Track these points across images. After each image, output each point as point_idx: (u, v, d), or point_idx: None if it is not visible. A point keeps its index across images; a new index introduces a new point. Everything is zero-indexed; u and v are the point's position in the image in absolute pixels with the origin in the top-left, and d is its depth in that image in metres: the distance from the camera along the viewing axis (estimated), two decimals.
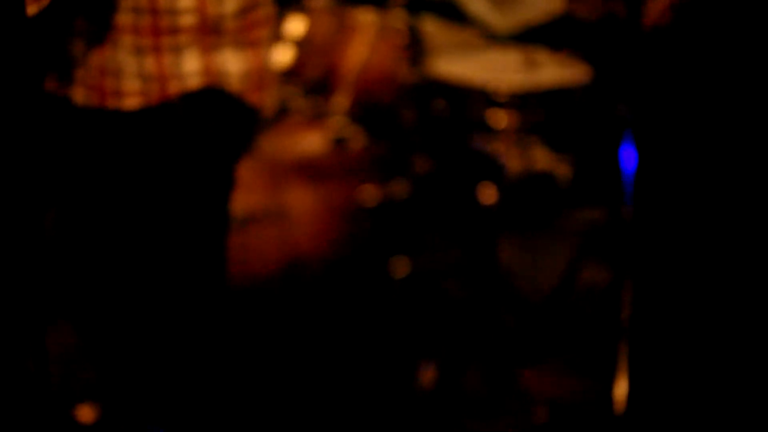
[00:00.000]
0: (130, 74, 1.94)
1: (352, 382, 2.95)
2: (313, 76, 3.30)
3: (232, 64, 2.02)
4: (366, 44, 3.19)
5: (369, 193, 3.16)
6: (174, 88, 1.96)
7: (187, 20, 1.92)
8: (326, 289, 3.05)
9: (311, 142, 3.21)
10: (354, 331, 3.00)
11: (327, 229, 3.13)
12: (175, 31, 1.93)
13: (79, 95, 1.94)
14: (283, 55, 3.35)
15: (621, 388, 2.47)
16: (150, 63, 1.94)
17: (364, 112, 3.20)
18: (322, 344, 3.03)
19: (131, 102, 1.94)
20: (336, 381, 3.00)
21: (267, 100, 2.10)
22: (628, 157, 2.40)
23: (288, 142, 3.33)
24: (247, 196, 3.23)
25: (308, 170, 3.23)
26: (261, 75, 2.05)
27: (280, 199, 3.20)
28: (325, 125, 3.18)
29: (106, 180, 2.05)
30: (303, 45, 3.36)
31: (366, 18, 3.22)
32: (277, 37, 3.11)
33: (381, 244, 3.09)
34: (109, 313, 2.15)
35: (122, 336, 2.15)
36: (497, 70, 2.78)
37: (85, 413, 2.75)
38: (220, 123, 2.06)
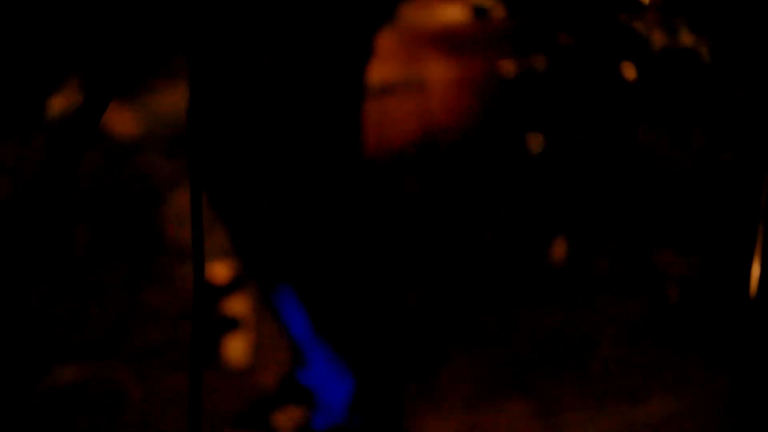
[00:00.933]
0: None
1: (484, 254, 2.97)
2: None
3: None
4: None
5: (508, 67, 3.14)
6: None
7: None
8: (461, 162, 3.05)
9: (451, 12, 3.18)
10: (488, 204, 3.01)
11: (464, 102, 3.13)
12: None
13: None
14: None
15: (756, 270, 2.43)
16: None
17: None
18: (455, 216, 3.04)
19: None
20: (468, 252, 3.02)
21: None
22: None
23: (427, 12, 3.31)
24: (384, 66, 3.23)
25: (447, 41, 3.21)
26: None
27: (417, 70, 3.20)
28: None
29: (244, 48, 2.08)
30: None
31: None
32: None
33: (519, 118, 3.07)
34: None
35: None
36: None
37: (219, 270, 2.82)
38: None
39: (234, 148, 2.33)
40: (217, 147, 2.35)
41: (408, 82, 3.12)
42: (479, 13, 3.13)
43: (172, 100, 4.45)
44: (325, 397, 2.50)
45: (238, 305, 2.89)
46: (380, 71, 3.19)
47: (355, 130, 2.27)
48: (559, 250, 2.85)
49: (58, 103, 3.89)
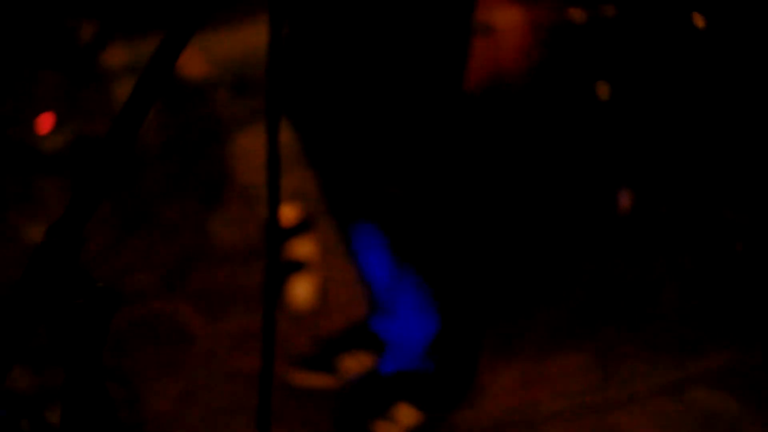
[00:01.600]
0: None
1: (550, 204, 2.98)
2: None
3: None
4: None
5: (577, 14, 3.13)
6: None
7: None
8: (528, 106, 3.05)
9: None
10: (553, 151, 3.01)
11: (533, 46, 3.13)
12: None
13: None
14: None
15: None
16: None
17: None
18: (519, 162, 3.05)
19: None
20: (533, 201, 3.02)
21: None
22: None
23: None
24: None
25: None
26: None
27: (488, 13, 3.20)
28: None
29: None
30: None
31: None
32: None
33: (587, 65, 3.06)
34: None
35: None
36: None
37: None
38: None
39: (323, 83, 2.36)
40: (306, 82, 2.39)
41: (479, 23, 3.12)
42: None
43: (238, 40, 4.47)
44: (400, 341, 2.53)
45: (305, 248, 2.93)
46: None
47: (445, 68, 2.31)
48: (624, 201, 2.86)
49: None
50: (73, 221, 1.18)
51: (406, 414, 2.50)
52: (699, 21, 2.99)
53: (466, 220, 2.44)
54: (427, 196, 2.38)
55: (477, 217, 2.49)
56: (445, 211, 2.40)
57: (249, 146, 3.77)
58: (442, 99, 2.32)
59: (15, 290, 1.18)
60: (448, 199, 2.39)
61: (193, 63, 3.96)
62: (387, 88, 2.27)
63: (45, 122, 3.70)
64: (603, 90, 3.00)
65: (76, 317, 1.19)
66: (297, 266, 2.93)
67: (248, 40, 4.48)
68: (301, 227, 2.93)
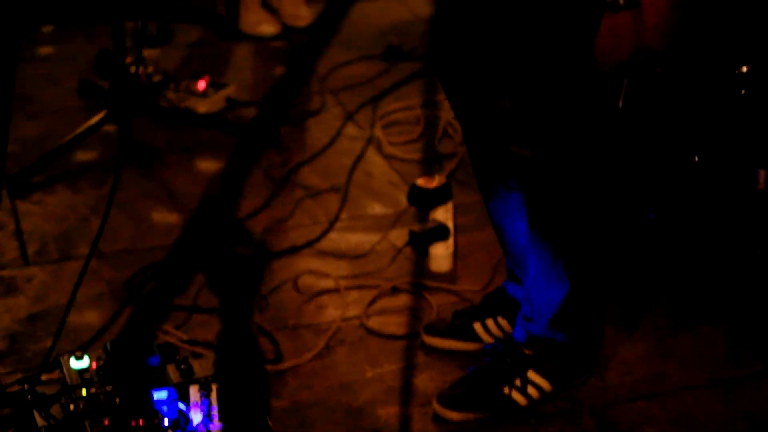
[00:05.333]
0: None
1: (690, 176, 2.98)
2: None
3: None
4: None
5: None
6: None
7: None
8: (669, 79, 3.06)
9: None
10: (694, 126, 3.02)
11: (676, 23, 3.14)
12: None
13: None
14: None
15: None
16: None
17: None
18: (654, 134, 3.06)
19: None
20: (670, 176, 3.04)
21: None
22: None
23: None
24: None
25: None
26: None
27: None
28: None
29: None
30: None
31: None
32: None
33: (730, 44, 3.06)
34: None
35: None
36: None
37: None
38: None
39: (466, 46, 2.44)
40: (453, 46, 2.47)
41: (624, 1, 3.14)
42: None
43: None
44: (531, 307, 2.56)
45: (446, 212, 3.00)
46: None
47: (584, 26, 2.34)
48: (761, 180, 2.87)
49: None
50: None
51: (535, 381, 2.55)
52: None
53: (595, 188, 2.46)
54: (555, 161, 2.41)
55: (606, 185, 2.48)
56: (574, 177, 2.42)
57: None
58: (574, 57, 2.34)
59: (183, 240, 1.30)
60: (577, 166, 2.42)
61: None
62: (520, 44, 2.31)
63: (202, 82, 3.85)
64: (743, 66, 3.00)
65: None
66: (437, 229, 2.99)
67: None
68: (443, 191, 2.98)
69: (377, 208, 3.33)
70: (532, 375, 2.55)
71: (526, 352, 2.56)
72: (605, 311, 2.60)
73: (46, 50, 4.29)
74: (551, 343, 2.55)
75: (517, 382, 2.54)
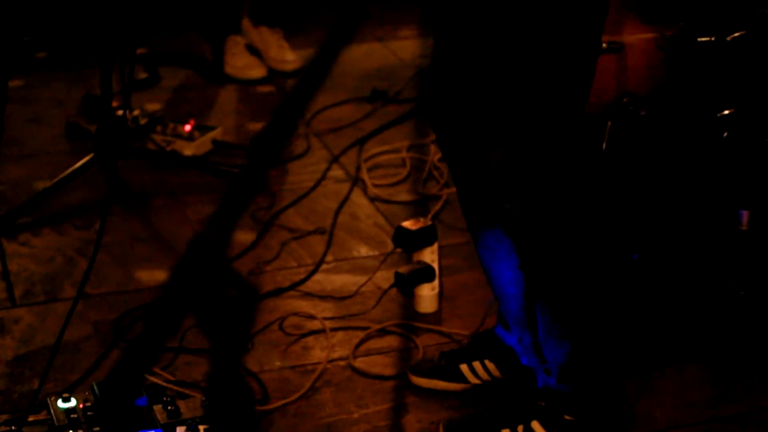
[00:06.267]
0: None
1: (673, 217, 3.00)
2: None
3: None
4: None
5: (704, 36, 3.16)
6: None
7: None
8: (650, 122, 3.08)
9: None
10: (675, 168, 3.04)
11: (659, 65, 3.16)
12: None
13: None
14: None
15: None
16: None
17: None
18: (642, 178, 3.07)
19: None
20: (654, 217, 3.05)
21: None
22: None
23: None
24: None
25: (645, 7, 3.24)
26: None
27: (617, 31, 3.23)
28: None
29: None
30: None
31: None
32: None
33: (710, 87, 3.09)
34: None
35: None
36: None
37: None
38: None
39: (458, 92, 2.45)
40: (445, 90, 2.48)
41: (611, 41, 3.17)
42: None
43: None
44: (527, 356, 2.54)
45: (433, 253, 3.01)
46: None
47: (578, 84, 2.34)
48: (744, 221, 2.89)
49: None
50: (221, 225, 1.31)
51: None
52: None
53: (586, 238, 2.44)
54: (544, 214, 2.39)
55: (598, 235, 2.47)
56: (563, 230, 2.40)
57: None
58: (565, 115, 2.34)
59: (171, 282, 1.31)
60: (565, 217, 2.40)
61: None
62: (514, 101, 2.31)
63: (188, 125, 3.87)
64: (725, 111, 3.03)
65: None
66: (423, 271, 3.00)
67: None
68: (428, 233, 3.00)
69: (363, 250, 3.35)
70: (535, 426, 2.52)
71: (540, 402, 2.53)
72: (617, 369, 2.54)
73: (34, 93, 4.31)
74: (552, 394, 2.52)
75: (520, 429, 2.53)
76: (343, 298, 3.11)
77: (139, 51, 4.26)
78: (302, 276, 3.20)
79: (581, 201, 2.40)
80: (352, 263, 3.29)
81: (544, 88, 2.30)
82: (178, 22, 4.81)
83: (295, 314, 3.04)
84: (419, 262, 3.02)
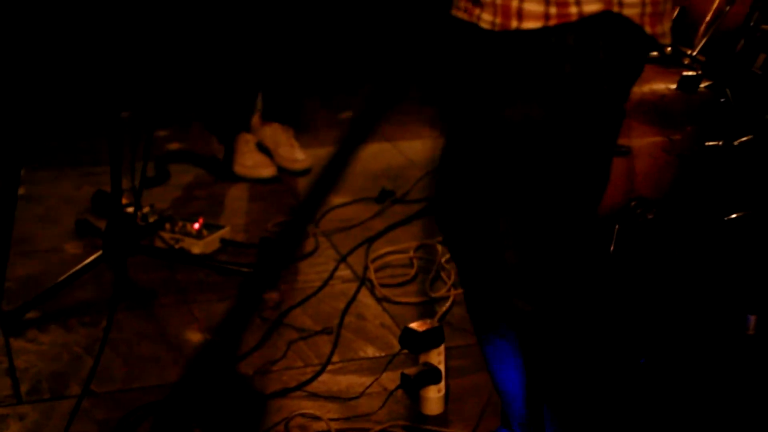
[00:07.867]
0: None
1: (680, 321, 3.00)
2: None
3: None
4: None
5: (711, 139, 3.18)
6: (574, 12, 2.06)
7: None
8: (658, 226, 3.09)
9: (659, 84, 3.25)
10: (682, 270, 3.04)
11: (667, 169, 3.18)
12: None
13: (487, 16, 2.08)
14: None
15: None
16: None
17: (715, 59, 3.21)
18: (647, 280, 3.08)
19: (531, 24, 2.07)
20: (660, 322, 3.06)
21: (663, 29, 2.16)
22: None
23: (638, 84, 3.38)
24: None
25: (653, 111, 3.27)
26: (659, 2, 2.12)
27: (626, 134, 3.25)
28: (673, 71, 3.22)
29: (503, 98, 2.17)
30: None
31: None
32: None
33: (717, 191, 3.10)
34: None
35: None
36: None
37: None
38: (614, 48, 2.13)
39: (468, 191, 2.44)
40: (459, 194, 2.48)
41: (619, 147, 3.18)
42: (685, 87, 3.19)
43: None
44: None
45: (434, 357, 3.01)
46: None
47: (593, 186, 2.32)
48: (751, 326, 2.89)
49: None
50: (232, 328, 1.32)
51: None
52: None
53: (593, 341, 2.42)
54: (554, 313, 2.37)
55: (606, 338, 2.46)
56: (572, 330, 2.38)
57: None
58: (578, 218, 2.33)
59: (175, 393, 1.31)
60: (574, 317, 2.38)
61: None
62: (528, 201, 2.30)
63: (197, 224, 3.89)
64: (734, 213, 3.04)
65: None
66: (429, 372, 2.99)
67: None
68: (435, 335, 3.00)
69: (369, 351, 3.34)
70: None
71: None
72: None
73: (43, 190, 4.34)
74: None
75: None
76: (349, 399, 3.10)
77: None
78: (309, 376, 3.18)
79: (590, 303, 2.39)
80: (358, 364, 3.28)
81: (559, 190, 2.29)
82: (188, 117, 4.86)
83: (301, 415, 3.03)
84: (426, 364, 3.01)
